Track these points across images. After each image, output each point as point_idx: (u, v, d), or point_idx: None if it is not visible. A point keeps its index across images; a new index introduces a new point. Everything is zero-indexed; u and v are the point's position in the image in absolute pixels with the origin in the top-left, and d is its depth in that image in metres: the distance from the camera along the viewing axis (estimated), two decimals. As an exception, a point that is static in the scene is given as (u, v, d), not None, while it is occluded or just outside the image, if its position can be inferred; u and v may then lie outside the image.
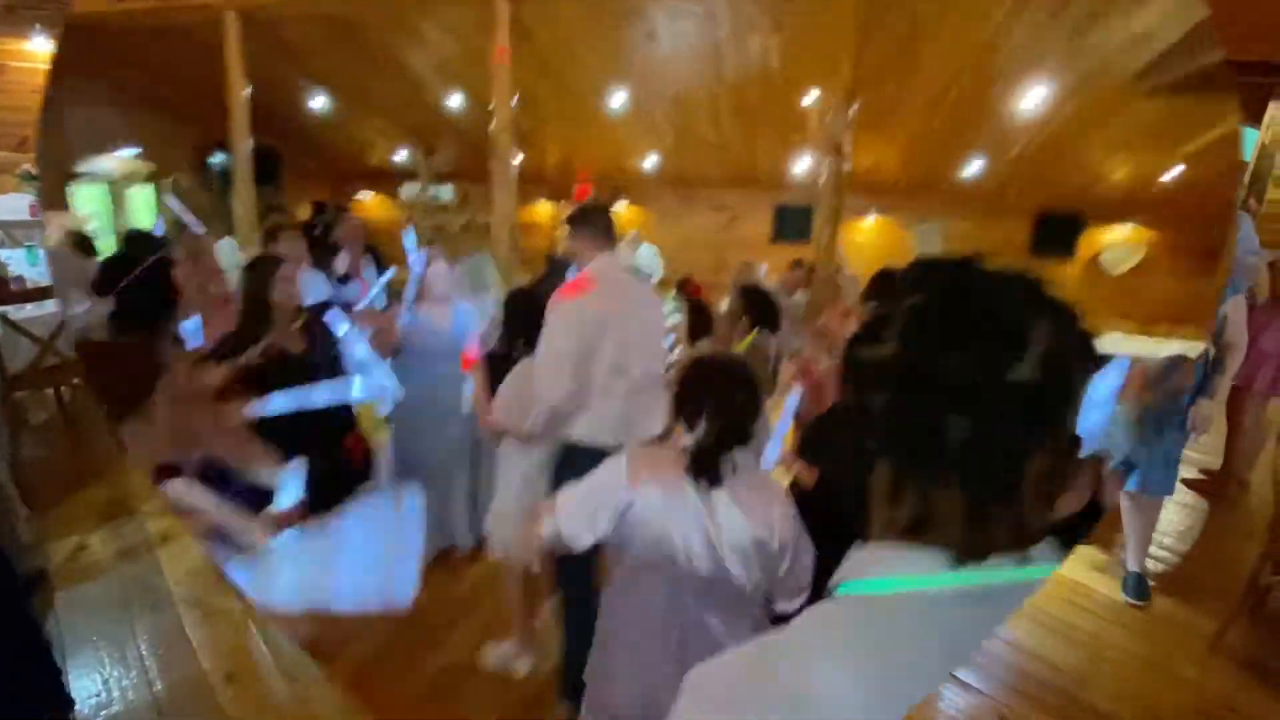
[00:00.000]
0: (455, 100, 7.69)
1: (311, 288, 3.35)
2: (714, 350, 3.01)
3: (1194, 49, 4.72)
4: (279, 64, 6.90)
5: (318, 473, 1.84)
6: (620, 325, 2.11)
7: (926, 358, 0.49)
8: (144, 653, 0.72)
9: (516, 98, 4.45)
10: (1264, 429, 3.72)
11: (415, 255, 3.05)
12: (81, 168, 7.10)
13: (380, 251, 5.13)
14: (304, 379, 2.56)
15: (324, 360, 2.66)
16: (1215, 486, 3.83)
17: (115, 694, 0.68)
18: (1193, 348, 3.09)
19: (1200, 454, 4.04)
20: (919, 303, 0.51)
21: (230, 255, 4.84)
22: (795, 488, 1.87)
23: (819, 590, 0.58)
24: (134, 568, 0.87)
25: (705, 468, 1.38)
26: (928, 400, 0.49)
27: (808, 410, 2.17)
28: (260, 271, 2.46)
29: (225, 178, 7.15)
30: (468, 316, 3.13)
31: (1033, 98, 5.89)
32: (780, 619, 1.30)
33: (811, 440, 1.91)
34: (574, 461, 2.04)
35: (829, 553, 1.34)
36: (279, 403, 1.85)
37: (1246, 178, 4.24)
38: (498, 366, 2.42)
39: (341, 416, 2.89)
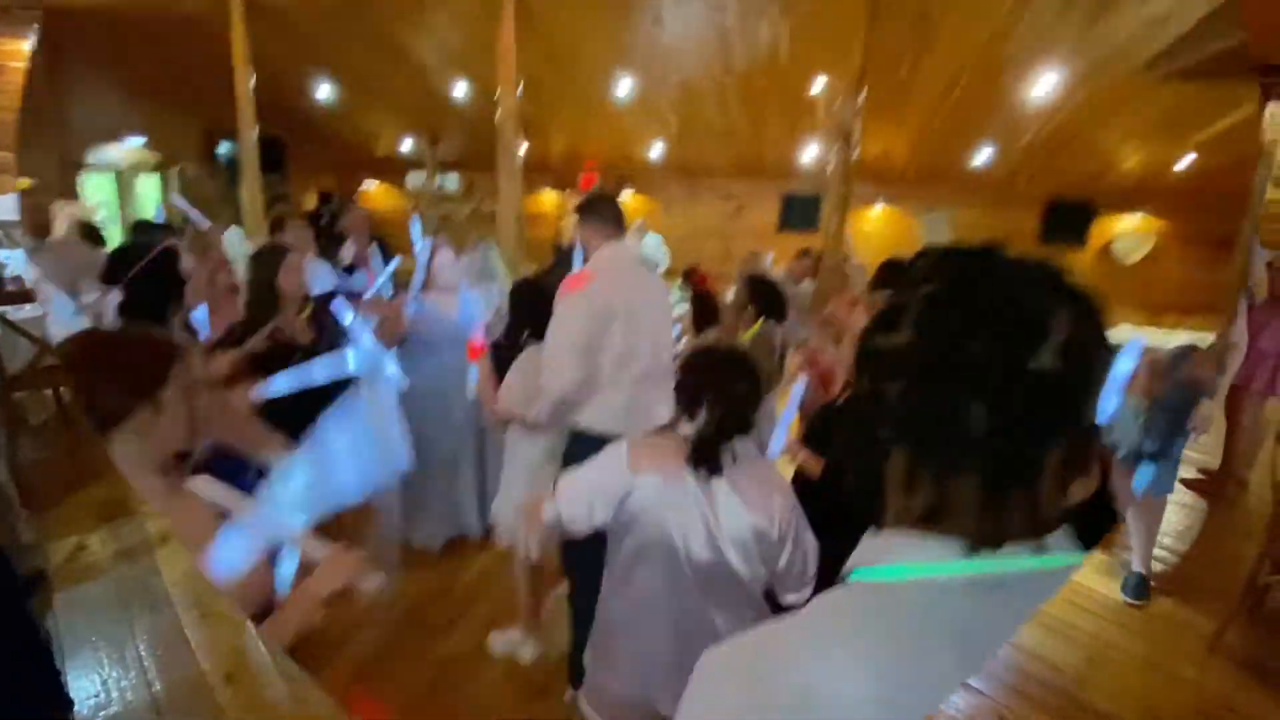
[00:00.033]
0: (461, 88, 7.65)
1: (317, 277, 3.36)
2: (716, 340, 3.01)
3: (1208, 35, 4.65)
4: (284, 52, 6.88)
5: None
6: (628, 315, 2.12)
7: (945, 345, 0.49)
8: (142, 653, 0.74)
9: (522, 86, 4.43)
10: (1262, 428, 3.70)
11: (421, 244, 3.06)
12: (89, 157, 7.12)
13: (386, 241, 5.14)
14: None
15: (331, 350, 2.67)
16: (1214, 486, 3.81)
17: (114, 694, 0.69)
18: (1202, 338, 3.08)
19: (1199, 454, 4.02)
20: (937, 290, 0.51)
21: (237, 245, 4.86)
22: (801, 477, 1.87)
23: (826, 582, 0.58)
24: (133, 568, 0.88)
25: (705, 457, 1.39)
26: (946, 388, 0.48)
27: (813, 399, 2.17)
28: (267, 261, 2.47)
29: (231, 167, 7.17)
30: (474, 305, 3.13)
31: (1044, 85, 5.82)
32: (788, 611, 1.30)
33: (819, 429, 1.91)
34: (582, 450, 2.05)
35: (834, 544, 1.34)
36: (281, 383, 1.88)
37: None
38: (503, 356, 2.43)
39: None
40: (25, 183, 5.59)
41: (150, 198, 7.93)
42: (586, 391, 2.14)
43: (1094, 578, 2.96)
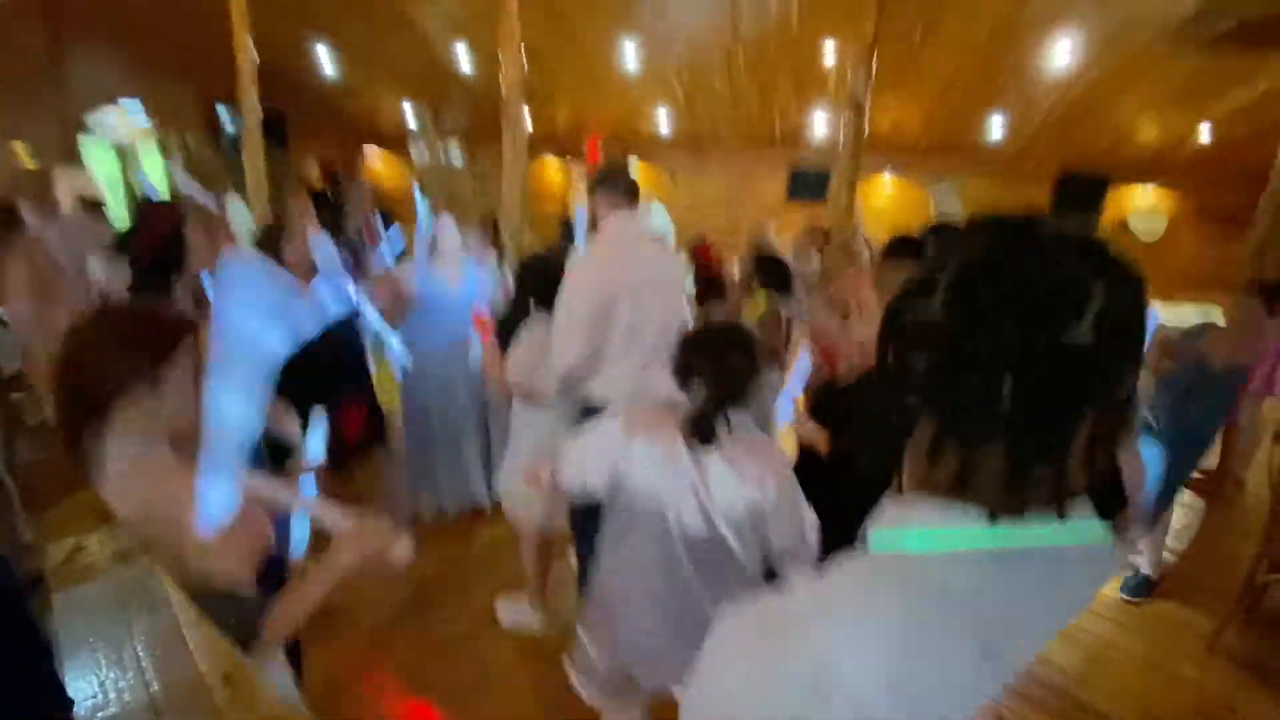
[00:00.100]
0: (463, 57, 7.52)
1: (321, 250, 3.35)
2: (711, 315, 3.00)
3: (1229, 4, 4.51)
4: (284, 20, 6.75)
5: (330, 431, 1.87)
6: (638, 288, 2.11)
7: (979, 316, 0.47)
8: (140, 654, 0.74)
9: (525, 54, 4.34)
10: (1260, 428, 3.67)
11: (424, 215, 3.04)
12: (89, 121, 7.05)
13: (390, 213, 5.11)
14: (319, 342, 2.58)
15: (339, 321, 2.68)
16: (1212, 485, 3.79)
17: (112, 695, 0.70)
18: (1213, 314, 3.04)
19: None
20: (972, 259, 0.49)
21: (240, 218, 4.84)
22: (805, 453, 1.87)
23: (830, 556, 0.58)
24: (131, 569, 0.88)
25: (699, 429, 1.40)
26: (978, 359, 0.47)
27: (818, 374, 2.17)
28: (272, 235, 2.46)
29: (234, 139, 7.09)
30: (478, 276, 3.12)
31: (1059, 54, 5.67)
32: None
33: (823, 405, 1.90)
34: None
35: (840, 520, 1.35)
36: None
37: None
38: (510, 329, 2.43)
39: (356, 377, 2.93)
40: (31, 164, 5.56)
41: (154, 171, 7.88)
42: (595, 365, 2.14)
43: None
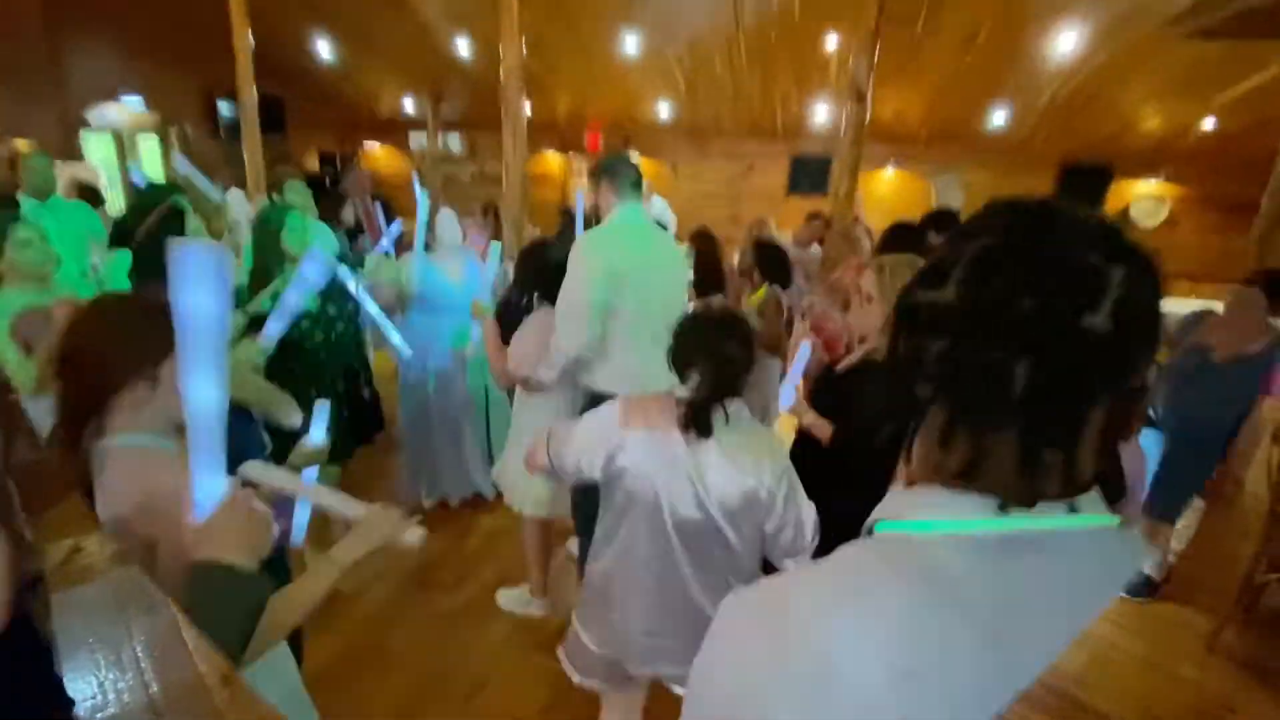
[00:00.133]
0: (463, 46, 7.47)
1: (321, 239, 3.34)
2: (708, 304, 3.00)
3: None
4: (283, 8, 6.71)
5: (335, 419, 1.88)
6: (641, 277, 2.11)
7: (995, 301, 0.47)
8: (139, 655, 0.75)
9: (525, 43, 4.31)
10: (1259, 428, 3.67)
11: (422, 205, 3.03)
12: (89, 116, 7.02)
13: (390, 202, 5.09)
14: (320, 332, 2.59)
15: (340, 314, 2.68)
16: (1211, 485, 3.79)
17: (111, 696, 0.71)
18: (1215, 305, 3.03)
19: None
20: (989, 244, 0.49)
21: (239, 206, 4.82)
22: (806, 442, 1.87)
23: (830, 550, 0.57)
24: (130, 570, 0.89)
25: (696, 418, 1.40)
26: (993, 345, 0.47)
27: (817, 362, 2.17)
28: (271, 223, 2.46)
29: (232, 127, 7.06)
30: (478, 268, 3.12)
31: (1063, 43, 5.63)
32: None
33: (822, 393, 1.90)
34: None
35: (840, 510, 1.35)
36: (274, 326, 1.90)
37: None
38: (509, 318, 2.43)
39: (356, 365, 2.93)
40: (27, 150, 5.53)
41: (151, 158, 7.85)
42: (597, 353, 2.14)
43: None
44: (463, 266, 3.12)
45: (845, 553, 0.55)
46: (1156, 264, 0.49)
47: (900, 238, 2.93)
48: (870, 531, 0.56)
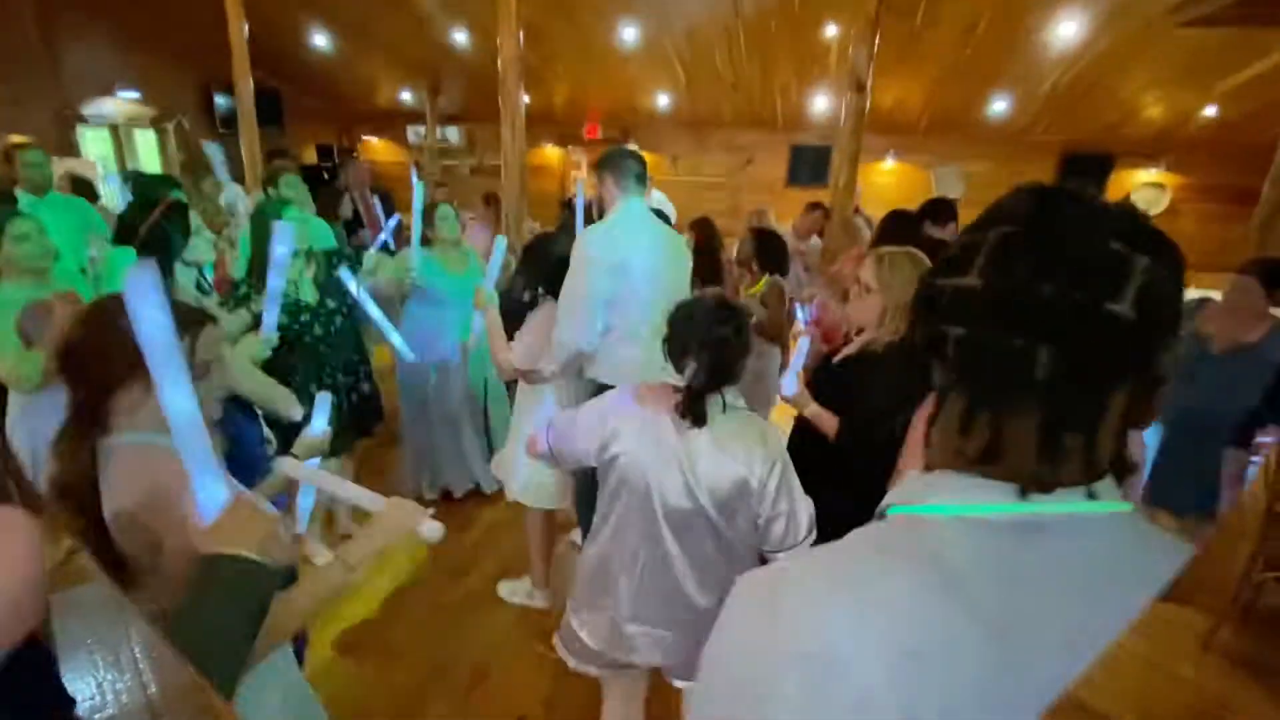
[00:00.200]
0: (461, 37, 7.42)
1: (320, 233, 3.33)
2: (702, 293, 2.99)
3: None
4: (280, 1, 6.67)
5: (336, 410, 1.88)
6: (643, 269, 2.11)
7: (1017, 287, 0.47)
8: (138, 656, 0.75)
9: (523, 34, 4.28)
10: None
11: (420, 198, 3.01)
12: (85, 111, 6.99)
13: (389, 194, 5.07)
14: (320, 326, 2.58)
15: (340, 308, 2.67)
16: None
17: (109, 697, 0.71)
18: (1216, 295, 3.02)
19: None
20: (1012, 231, 0.49)
21: (236, 200, 4.80)
22: (804, 430, 1.87)
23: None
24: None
25: (691, 407, 1.40)
26: (1015, 331, 0.47)
27: (815, 353, 2.17)
28: (267, 218, 2.45)
29: (230, 121, 7.03)
30: (478, 261, 3.11)
31: (1063, 31, 5.60)
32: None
33: (823, 379, 1.90)
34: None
35: (842, 502, 1.35)
36: (270, 317, 1.89)
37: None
38: (513, 310, 2.43)
39: (355, 358, 2.93)
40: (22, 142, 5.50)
41: (148, 152, 7.82)
42: (601, 345, 2.15)
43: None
44: (462, 260, 3.11)
45: (854, 537, 0.54)
46: (1178, 252, 0.49)
47: (897, 226, 2.93)
48: (883, 516, 0.56)
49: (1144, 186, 7.66)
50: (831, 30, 6.19)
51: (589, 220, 2.58)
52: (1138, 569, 0.50)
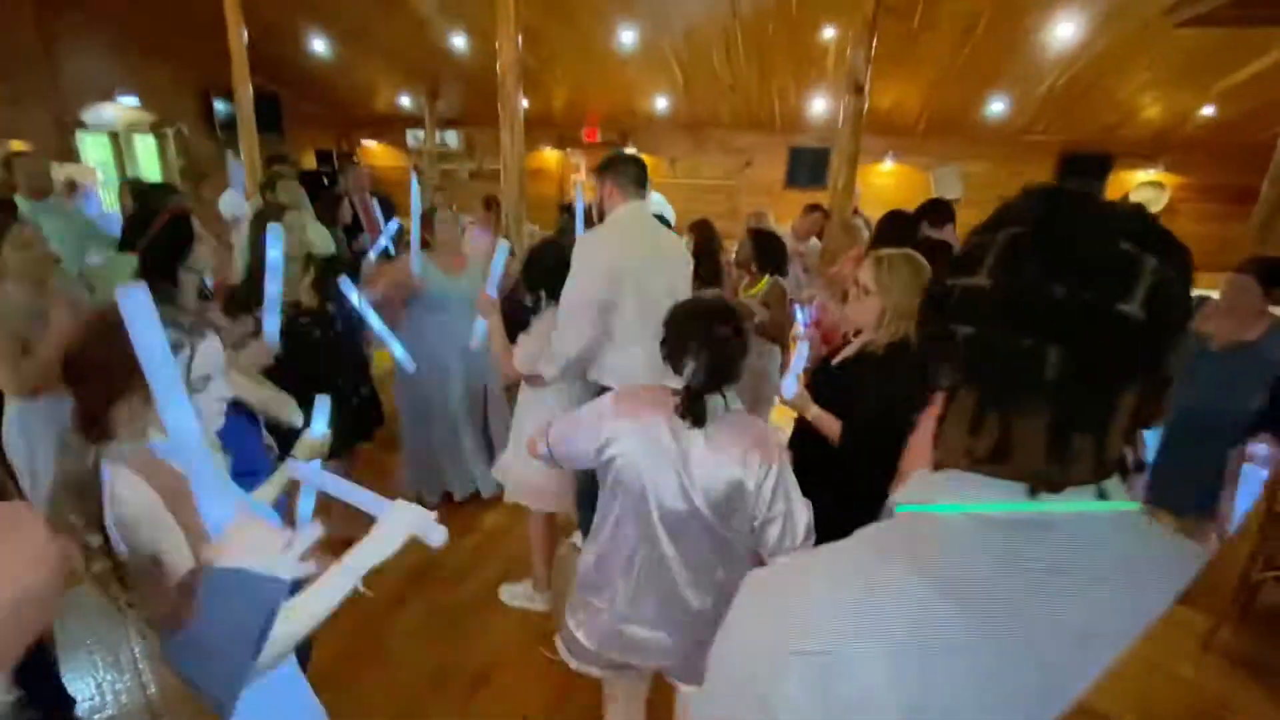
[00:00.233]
0: (459, 41, 7.44)
1: (319, 238, 3.33)
2: (699, 295, 3.00)
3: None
4: (278, 5, 6.68)
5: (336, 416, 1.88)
6: (644, 274, 2.12)
7: (1027, 287, 0.47)
8: (137, 656, 0.74)
9: (521, 38, 4.29)
10: None
11: (419, 202, 3.02)
12: (84, 117, 7.00)
13: (389, 199, 5.07)
14: (320, 332, 2.58)
15: (339, 314, 2.67)
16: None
17: (109, 697, 0.70)
18: (1215, 294, 3.02)
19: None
20: (1022, 231, 0.49)
21: (235, 206, 4.81)
22: (804, 432, 1.87)
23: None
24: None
25: (691, 407, 1.40)
26: (1026, 332, 0.47)
27: (816, 353, 2.17)
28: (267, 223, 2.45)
29: (229, 126, 7.03)
30: (478, 265, 3.11)
31: (1061, 32, 5.61)
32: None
33: (824, 381, 1.90)
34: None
35: (842, 504, 1.35)
36: (270, 323, 1.89)
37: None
38: (516, 314, 2.43)
39: (356, 363, 2.93)
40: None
41: (148, 158, 7.83)
42: (602, 349, 2.14)
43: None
44: (462, 265, 3.11)
45: (858, 536, 0.55)
46: (1188, 252, 0.49)
47: (894, 227, 2.93)
48: (890, 514, 0.56)
49: (1142, 186, 7.66)
50: (829, 32, 6.20)
51: (589, 224, 2.58)
52: (1148, 568, 0.50)
